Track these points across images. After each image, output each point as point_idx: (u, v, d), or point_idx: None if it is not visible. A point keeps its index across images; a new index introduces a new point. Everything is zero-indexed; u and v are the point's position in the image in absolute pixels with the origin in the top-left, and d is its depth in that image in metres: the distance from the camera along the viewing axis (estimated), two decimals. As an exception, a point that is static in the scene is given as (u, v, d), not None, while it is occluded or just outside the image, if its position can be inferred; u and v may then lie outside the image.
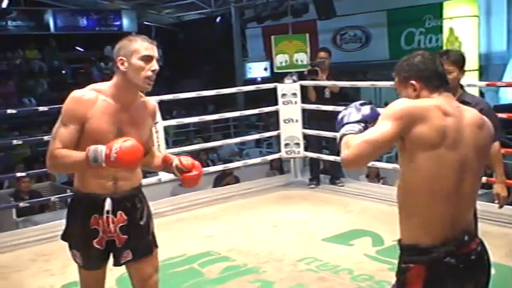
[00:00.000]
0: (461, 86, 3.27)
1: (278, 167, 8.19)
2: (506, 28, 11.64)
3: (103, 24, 17.50)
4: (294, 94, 6.20)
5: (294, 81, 6.25)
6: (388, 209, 4.97)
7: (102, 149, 2.28)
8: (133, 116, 2.48)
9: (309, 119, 6.48)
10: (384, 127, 1.88)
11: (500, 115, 4.08)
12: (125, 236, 2.52)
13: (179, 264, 4.16)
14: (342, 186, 6.21)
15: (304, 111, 6.35)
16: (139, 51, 2.38)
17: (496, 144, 3.19)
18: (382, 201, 5.50)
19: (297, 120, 6.26)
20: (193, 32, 18.19)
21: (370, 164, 6.78)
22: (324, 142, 6.59)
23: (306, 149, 6.41)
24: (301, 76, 6.41)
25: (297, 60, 6.63)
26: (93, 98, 2.40)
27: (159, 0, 16.46)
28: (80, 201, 2.54)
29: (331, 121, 6.11)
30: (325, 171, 6.57)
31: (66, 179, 8.43)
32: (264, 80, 14.18)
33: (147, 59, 2.39)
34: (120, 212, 2.50)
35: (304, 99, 6.27)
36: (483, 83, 6.79)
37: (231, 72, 16.03)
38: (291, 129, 6.28)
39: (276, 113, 6.46)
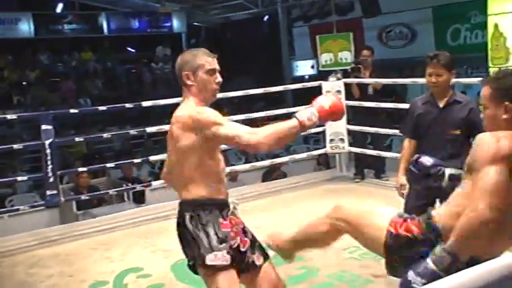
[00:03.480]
0: (452, 87, 3.44)
1: (325, 163, 8.38)
2: (554, 22, 11.43)
3: (154, 25, 18.02)
4: (338, 91, 6.37)
5: (338, 79, 6.44)
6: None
7: (309, 109, 2.39)
8: None
9: (354, 115, 6.66)
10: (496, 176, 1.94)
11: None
12: (247, 239, 2.55)
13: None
14: (386, 180, 6.36)
15: (349, 107, 6.53)
16: (205, 66, 2.51)
17: None
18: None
19: (341, 117, 6.44)
20: (241, 31, 18.47)
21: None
22: (369, 137, 6.74)
23: (351, 145, 6.58)
24: (345, 74, 6.59)
25: (341, 59, 6.80)
26: None
27: (207, 1, 16.81)
28: (210, 210, 2.48)
29: (375, 117, 6.39)
30: (369, 166, 6.72)
31: (122, 174, 8.86)
32: (312, 78, 14.34)
33: (212, 72, 2.53)
34: (231, 216, 2.54)
35: (349, 96, 6.45)
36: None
37: (279, 71, 16.25)
38: (336, 125, 6.44)
39: (322, 109, 6.64)
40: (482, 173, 1.95)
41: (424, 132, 3.47)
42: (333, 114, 2.43)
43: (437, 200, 3.19)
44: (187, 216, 2.48)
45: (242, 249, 2.52)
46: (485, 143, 1.98)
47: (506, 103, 2.03)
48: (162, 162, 9.67)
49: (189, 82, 2.52)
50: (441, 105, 3.43)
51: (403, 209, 3.35)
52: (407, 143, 3.62)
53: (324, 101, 2.42)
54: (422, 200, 3.25)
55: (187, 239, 2.48)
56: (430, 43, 13.99)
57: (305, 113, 2.39)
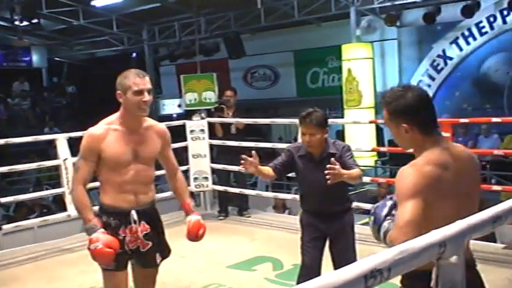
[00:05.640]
0: (325, 140, 3.58)
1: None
2: (398, 69, 12.60)
3: (11, 59, 17.19)
4: (202, 130, 6.49)
5: (202, 118, 6.55)
6: (291, 236, 5.27)
7: (94, 232, 2.82)
8: (143, 136, 3.00)
9: (218, 153, 6.78)
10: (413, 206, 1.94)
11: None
12: (149, 242, 3.04)
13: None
14: (248, 217, 6.51)
15: (212, 146, 6.64)
16: (132, 87, 2.86)
17: (356, 169, 3.52)
18: (286, 229, 5.82)
19: (205, 155, 6.53)
20: (108, 68, 18.10)
21: (276, 196, 7.16)
22: (232, 175, 6.87)
23: (215, 183, 6.67)
24: (209, 113, 6.72)
25: (205, 98, 6.94)
26: (103, 132, 2.92)
27: (70, 36, 16.35)
28: (109, 215, 2.97)
29: (238, 156, 6.52)
30: (233, 204, 6.84)
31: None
32: (180, 116, 14.41)
33: (138, 93, 2.86)
34: (142, 222, 3.01)
35: (212, 135, 6.57)
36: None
37: (145, 109, 16.11)
38: (200, 163, 6.54)
39: (186, 148, 6.70)
40: (400, 208, 1.98)
41: (309, 186, 3.65)
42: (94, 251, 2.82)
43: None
44: None
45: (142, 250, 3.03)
46: (403, 177, 2.01)
47: (403, 124, 2.09)
48: (17, 204, 9.08)
49: (120, 100, 2.92)
50: (317, 159, 3.56)
51: (301, 240, 3.63)
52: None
53: (100, 240, 2.80)
54: (316, 233, 3.59)
55: None
56: (292, 85, 14.71)
57: (95, 228, 2.83)
